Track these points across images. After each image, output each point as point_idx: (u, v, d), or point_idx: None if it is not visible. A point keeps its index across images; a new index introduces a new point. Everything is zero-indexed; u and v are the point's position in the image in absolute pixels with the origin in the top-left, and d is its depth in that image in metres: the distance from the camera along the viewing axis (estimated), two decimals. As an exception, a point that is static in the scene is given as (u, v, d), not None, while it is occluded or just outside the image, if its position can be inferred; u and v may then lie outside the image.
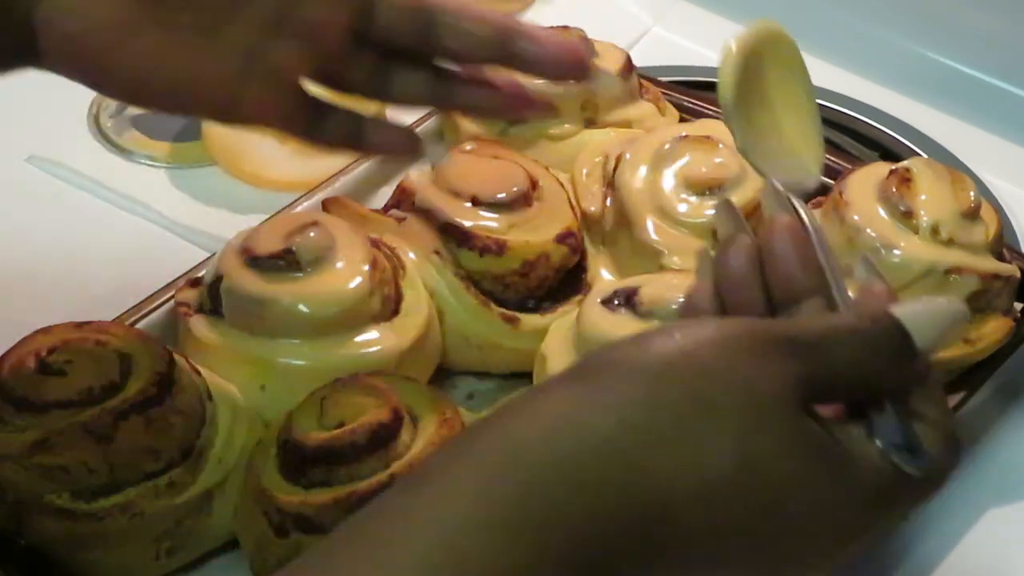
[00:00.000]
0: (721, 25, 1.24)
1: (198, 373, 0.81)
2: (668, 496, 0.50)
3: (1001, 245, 0.91)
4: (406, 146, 0.81)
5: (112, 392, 0.75)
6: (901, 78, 1.18)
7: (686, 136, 0.94)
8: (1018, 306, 0.91)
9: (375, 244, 0.87)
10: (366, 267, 0.84)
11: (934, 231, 0.87)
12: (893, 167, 0.91)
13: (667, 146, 0.94)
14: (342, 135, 0.78)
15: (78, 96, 1.10)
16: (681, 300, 0.81)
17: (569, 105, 0.98)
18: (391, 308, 0.85)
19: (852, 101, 1.16)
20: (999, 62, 1.18)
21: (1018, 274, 0.90)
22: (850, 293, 0.59)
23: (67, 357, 0.77)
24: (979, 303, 0.87)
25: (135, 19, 0.69)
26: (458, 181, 0.90)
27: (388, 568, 0.48)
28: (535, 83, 0.97)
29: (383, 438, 0.74)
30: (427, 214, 0.89)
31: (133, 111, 1.10)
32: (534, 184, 0.92)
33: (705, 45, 1.22)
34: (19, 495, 0.75)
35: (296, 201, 0.95)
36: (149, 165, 1.06)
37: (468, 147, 0.95)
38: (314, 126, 0.77)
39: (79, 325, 0.79)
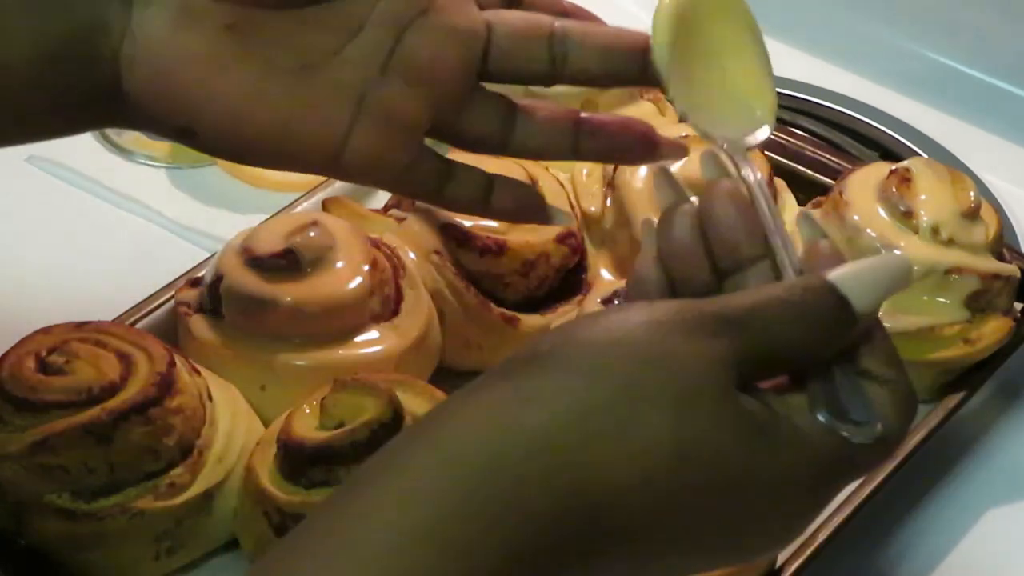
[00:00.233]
0: (721, 25, 1.24)
1: (198, 373, 0.81)
2: (609, 488, 0.50)
3: (1001, 245, 0.91)
4: (533, 209, 0.73)
5: (112, 392, 0.75)
6: (901, 78, 1.18)
7: (686, 136, 0.94)
8: (1018, 306, 0.91)
9: (375, 244, 0.87)
10: (366, 267, 0.84)
11: (934, 231, 0.87)
12: (893, 167, 0.91)
13: (667, 146, 0.94)
14: (469, 197, 0.71)
15: (78, 96, 1.10)
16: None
17: (569, 105, 0.98)
18: (391, 308, 0.85)
19: (852, 101, 1.16)
20: (999, 62, 1.18)
21: (1018, 274, 0.90)
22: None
23: (67, 357, 0.77)
24: (979, 303, 0.87)
25: (227, 54, 0.64)
26: (458, 181, 0.90)
27: None
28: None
29: (383, 438, 0.74)
30: (427, 214, 0.89)
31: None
32: (534, 184, 0.92)
33: (705, 45, 1.22)
34: (19, 495, 0.75)
35: (296, 201, 0.95)
36: (149, 165, 1.06)
37: (468, 147, 0.95)
38: (437, 185, 0.69)
39: (79, 325, 0.79)
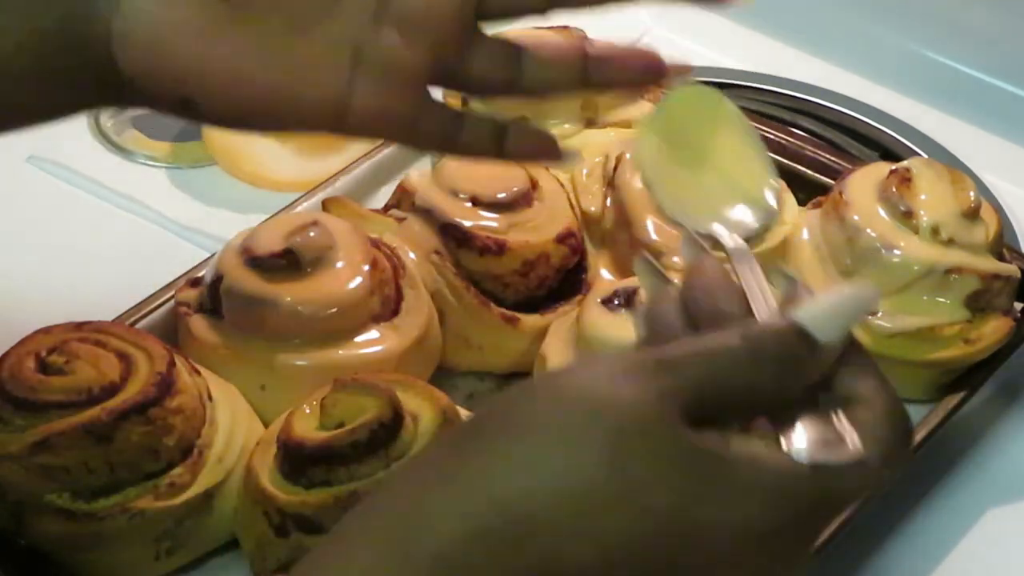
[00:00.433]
0: (721, 25, 1.24)
1: (198, 373, 0.81)
2: (554, 540, 0.48)
3: (1001, 245, 0.91)
4: (548, 151, 0.72)
5: (112, 392, 0.75)
6: (901, 78, 1.18)
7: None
8: (1018, 306, 0.91)
9: (375, 244, 0.87)
10: (366, 267, 0.84)
11: (934, 231, 0.87)
12: (893, 167, 0.91)
13: (667, 146, 0.94)
14: (481, 143, 0.70)
15: (78, 96, 1.10)
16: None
17: (569, 105, 0.98)
18: (391, 308, 0.85)
19: (852, 101, 1.16)
20: (999, 62, 1.18)
21: (1018, 274, 0.90)
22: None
23: (67, 357, 0.77)
24: (979, 303, 0.87)
25: (218, 21, 0.63)
26: (458, 181, 0.90)
27: None
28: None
29: (383, 438, 0.74)
30: (427, 214, 0.89)
31: (133, 111, 1.10)
32: (534, 184, 0.92)
33: (705, 45, 1.22)
34: (19, 495, 0.75)
35: (296, 201, 0.95)
36: (149, 165, 1.06)
37: (468, 147, 0.95)
38: (447, 134, 0.69)
39: (79, 325, 0.79)
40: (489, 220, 0.89)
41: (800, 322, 0.53)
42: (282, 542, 0.74)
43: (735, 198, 0.61)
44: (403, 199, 0.91)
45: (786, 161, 0.99)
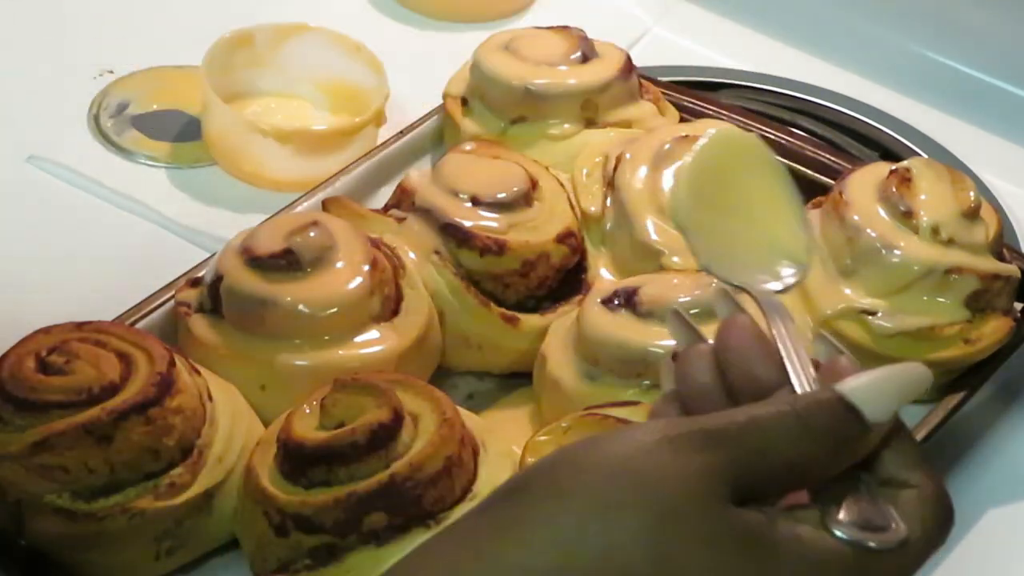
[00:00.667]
0: (721, 25, 1.24)
1: (198, 373, 0.81)
2: None
3: (1001, 245, 0.91)
4: None
5: (112, 392, 0.75)
6: (901, 78, 1.18)
7: (686, 136, 0.94)
8: (1018, 306, 0.91)
9: (375, 244, 0.87)
10: (366, 267, 0.84)
11: (934, 231, 0.87)
12: (893, 167, 0.91)
13: (667, 146, 0.94)
14: None
15: (78, 96, 1.11)
16: (682, 300, 0.81)
17: (569, 105, 0.98)
18: (391, 308, 0.85)
19: (852, 101, 1.16)
20: (999, 62, 1.18)
21: (1018, 274, 0.90)
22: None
23: (67, 357, 0.77)
24: (979, 303, 0.87)
25: None
26: (458, 181, 0.90)
27: None
28: (537, 82, 0.98)
29: (383, 438, 0.74)
30: (427, 214, 0.89)
31: (133, 111, 1.10)
32: (534, 184, 0.92)
33: (705, 45, 1.22)
34: (19, 495, 0.75)
35: (296, 201, 0.95)
36: (149, 165, 1.06)
37: (468, 147, 0.95)
38: None
39: (79, 325, 0.79)
40: (489, 220, 0.89)
41: (849, 398, 0.52)
42: (282, 542, 0.74)
43: (770, 251, 0.60)
44: (403, 199, 0.91)
45: (786, 161, 0.98)
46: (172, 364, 0.77)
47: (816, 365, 0.55)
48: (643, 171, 0.92)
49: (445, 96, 1.03)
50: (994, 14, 1.19)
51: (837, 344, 0.57)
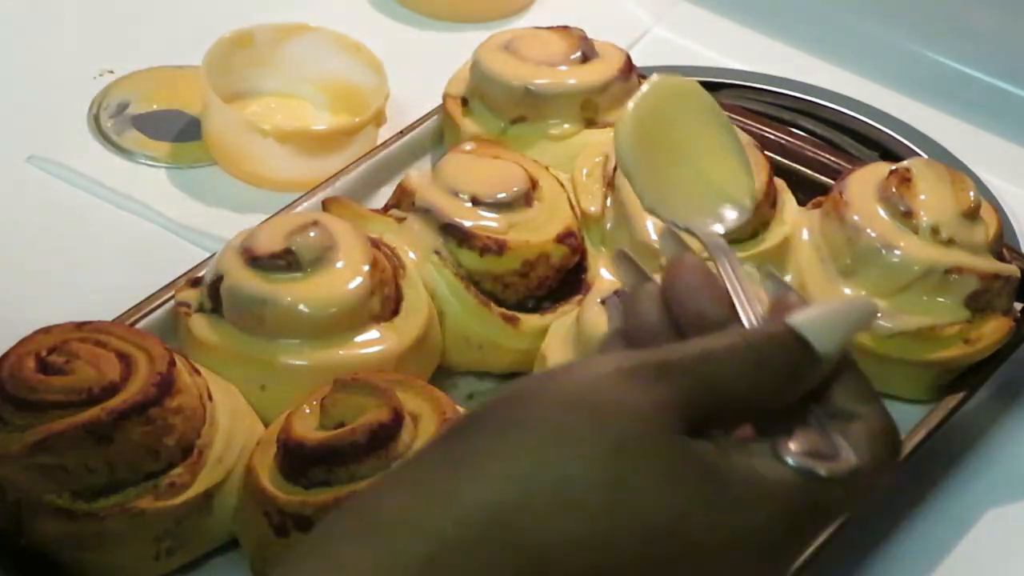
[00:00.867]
0: (721, 25, 1.24)
1: (198, 373, 0.81)
2: (546, 548, 0.48)
3: (1001, 245, 0.91)
4: None
5: (112, 392, 0.75)
6: (901, 78, 1.18)
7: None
8: (1018, 306, 0.91)
9: (375, 244, 0.87)
10: (366, 267, 0.84)
11: (934, 231, 0.87)
12: (893, 167, 0.91)
13: (667, 146, 0.94)
14: None
15: (78, 96, 1.11)
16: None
17: (569, 105, 0.98)
18: (391, 308, 0.85)
19: (852, 101, 1.16)
20: (999, 62, 1.18)
21: (1018, 274, 0.90)
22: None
23: (67, 357, 0.77)
24: (979, 303, 0.87)
25: None
26: (458, 181, 0.90)
27: None
28: (537, 82, 0.98)
29: (383, 438, 0.74)
30: (427, 214, 0.89)
31: (133, 111, 1.10)
32: (534, 184, 0.92)
33: (705, 45, 1.22)
34: (19, 495, 0.75)
35: (296, 201, 0.95)
36: (149, 165, 1.06)
37: (468, 147, 0.95)
38: None
39: (79, 325, 0.79)
40: (489, 220, 0.89)
41: (799, 330, 0.52)
42: (282, 542, 0.74)
43: (713, 194, 0.61)
44: (403, 199, 0.91)
45: (786, 161, 0.99)
46: (172, 364, 0.77)
47: (764, 304, 0.56)
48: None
49: (445, 96, 1.03)
50: (994, 14, 1.19)
51: (784, 281, 0.57)
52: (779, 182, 0.95)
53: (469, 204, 0.89)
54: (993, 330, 0.88)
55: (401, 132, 1.02)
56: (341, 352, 0.82)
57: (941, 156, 1.09)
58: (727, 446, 0.51)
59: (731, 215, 0.60)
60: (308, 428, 0.76)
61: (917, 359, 0.87)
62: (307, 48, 1.09)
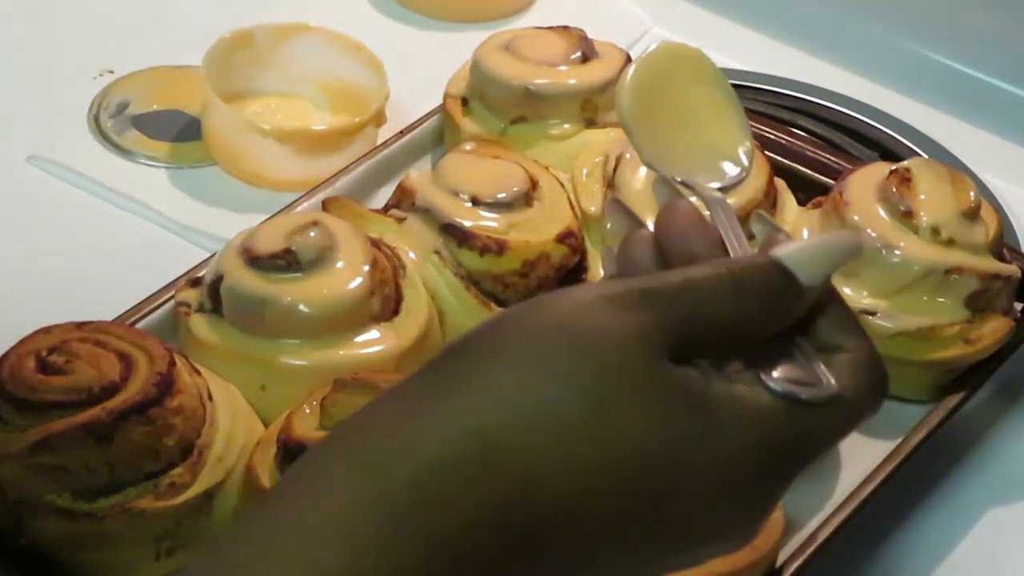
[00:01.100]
0: (721, 25, 1.24)
1: (198, 373, 0.81)
2: (531, 475, 0.48)
3: (1001, 245, 0.91)
4: None
5: (112, 392, 0.75)
6: (901, 78, 1.18)
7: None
8: (1018, 306, 0.91)
9: (375, 244, 0.87)
10: (366, 267, 0.84)
11: (934, 231, 0.87)
12: (893, 167, 0.91)
13: (667, 146, 0.94)
14: None
15: (78, 96, 1.11)
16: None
17: (569, 105, 0.98)
18: (391, 308, 0.85)
19: (852, 101, 1.16)
20: (999, 62, 1.19)
21: (1018, 274, 0.90)
22: None
23: (67, 357, 0.77)
24: (979, 303, 0.87)
25: None
26: (458, 181, 0.90)
27: None
28: (537, 82, 0.98)
29: (383, 438, 0.74)
30: (427, 214, 0.89)
31: (133, 111, 1.10)
32: (534, 184, 0.92)
33: (705, 45, 1.21)
34: (19, 495, 0.75)
35: (296, 201, 0.95)
36: (149, 165, 1.06)
37: (468, 147, 0.95)
38: None
39: (79, 325, 0.79)
40: (489, 220, 0.89)
41: (783, 261, 0.53)
42: (282, 542, 0.74)
43: (711, 153, 0.61)
44: (403, 199, 0.91)
45: (786, 161, 0.99)
46: (172, 364, 0.77)
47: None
48: (643, 171, 0.92)
49: (445, 96, 1.03)
50: (994, 14, 1.19)
51: (775, 224, 0.58)
52: (779, 182, 0.95)
53: (469, 204, 0.89)
54: (993, 330, 0.88)
55: (401, 132, 1.02)
56: (341, 352, 0.82)
57: (941, 156, 1.09)
58: (710, 373, 0.51)
59: (730, 171, 0.61)
60: (308, 428, 0.76)
61: (917, 359, 0.87)
62: (307, 48, 1.09)
